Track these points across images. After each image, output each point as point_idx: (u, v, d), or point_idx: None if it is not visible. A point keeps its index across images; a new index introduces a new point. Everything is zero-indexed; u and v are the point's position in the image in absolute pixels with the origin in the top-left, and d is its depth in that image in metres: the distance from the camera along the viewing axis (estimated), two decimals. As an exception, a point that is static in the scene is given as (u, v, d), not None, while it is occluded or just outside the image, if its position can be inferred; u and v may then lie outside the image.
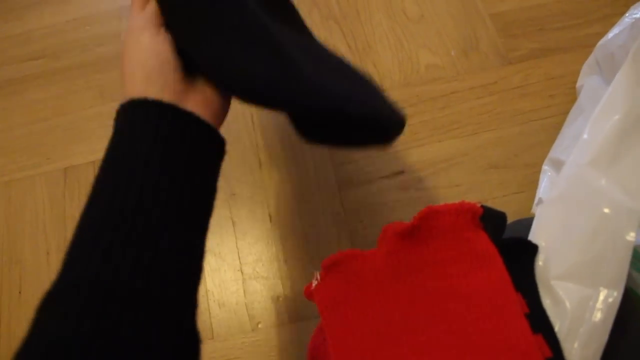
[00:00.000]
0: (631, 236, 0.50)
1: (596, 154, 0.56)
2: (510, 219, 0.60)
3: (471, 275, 0.46)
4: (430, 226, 0.48)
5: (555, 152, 0.78)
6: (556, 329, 0.47)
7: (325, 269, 0.52)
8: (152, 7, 0.45)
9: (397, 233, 0.49)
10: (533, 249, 0.49)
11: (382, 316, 0.47)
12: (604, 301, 0.48)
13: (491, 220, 0.50)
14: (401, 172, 0.83)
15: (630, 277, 0.60)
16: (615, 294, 0.49)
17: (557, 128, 0.83)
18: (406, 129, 0.86)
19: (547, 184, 0.73)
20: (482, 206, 0.51)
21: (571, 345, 0.47)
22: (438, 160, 0.84)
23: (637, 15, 0.76)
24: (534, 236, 0.55)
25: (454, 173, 0.83)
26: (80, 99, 0.96)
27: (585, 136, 0.59)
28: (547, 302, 0.50)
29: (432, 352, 0.43)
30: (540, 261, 0.52)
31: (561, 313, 0.49)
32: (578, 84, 0.87)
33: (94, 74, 0.99)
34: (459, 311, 0.45)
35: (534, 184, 0.79)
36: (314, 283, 0.52)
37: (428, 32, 0.96)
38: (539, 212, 0.57)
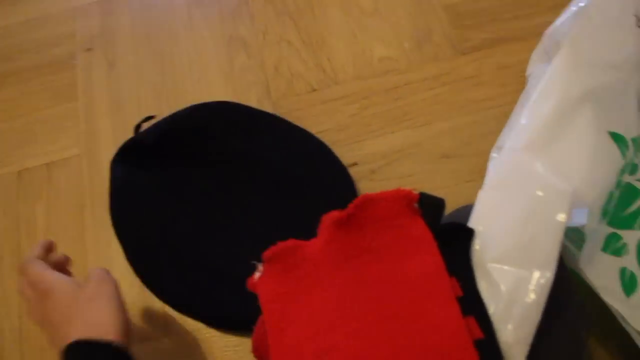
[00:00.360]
0: (562, 217, 0.51)
1: (531, 138, 0.57)
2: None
3: (406, 261, 0.47)
4: (367, 214, 0.49)
5: (502, 139, 0.78)
6: (492, 311, 0.48)
7: (266, 261, 0.52)
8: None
9: (334, 222, 0.50)
10: (469, 233, 0.50)
11: (320, 305, 0.47)
12: (537, 282, 0.49)
13: (429, 207, 0.51)
14: (355, 164, 0.84)
15: (572, 257, 0.61)
16: (547, 274, 0.50)
17: (508, 116, 0.84)
18: (360, 121, 0.87)
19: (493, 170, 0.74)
20: (420, 193, 0.51)
21: (505, 327, 0.48)
22: (391, 151, 0.85)
23: (581, 4, 0.77)
24: (473, 221, 0.56)
25: (407, 163, 0.84)
26: (34, 101, 0.95)
27: (523, 121, 0.60)
28: (483, 285, 0.50)
29: (365, 337, 0.44)
30: (477, 245, 0.52)
31: (496, 295, 0.50)
32: (527, 72, 0.88)
33: (48, 75, 0.98)
34: (392, 296, 0.45)
35: (485, 172, 0.79)
36: (257, 275, 0.52)
37: (382, 25, 0.96)
38: (478, 197, 0.57)
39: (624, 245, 0.65)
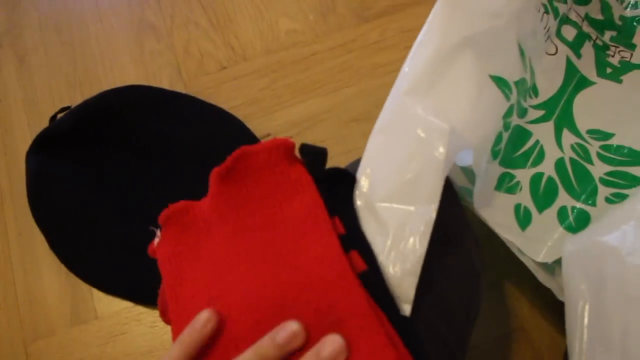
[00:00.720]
0: (441, 152, 0.53)
1: (412, 83, 0.59)
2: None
3: (285, 204, 0.49)
4: (246, 166, 0.51)
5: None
6: (382, 247, 0.50)
7: (162, 225, 0.53)
8: None
9: (216, 176, 0.51)
10: (350, 177, 0.52)
11: (210, 257, 0.49)
12: (421, 216, 0.51)
13: (310, 155, 0.53)
14: (268, 135, 0.86)
15: (469, 197, 0.65)
16: (431, 207, 0.52)
17: (413, 77, 0.87)
18: (270, 94, 0.89)
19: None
20: (302, 144, 0.53)
21: (393, 260, 0.50)
22: (302, 119, 0.87)
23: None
24: (363, 164, 0.57)
25: (319, 130, 0.86)
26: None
27: (406, 69, 0.62)
28: (373, 225, 0.52)
29: (252, 278, 0.46)
30: (366, 187, 0.54)
31: (385, 232, 0.52)
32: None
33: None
34: (275, 237, 0.48)
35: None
36: (156, 241, 0.54)
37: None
38: (367, 143, 0.59)
39: (517, 183, 0.69)
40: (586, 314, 0.54)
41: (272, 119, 0.88)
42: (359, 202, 0.54)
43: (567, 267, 0.57)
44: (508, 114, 0.67)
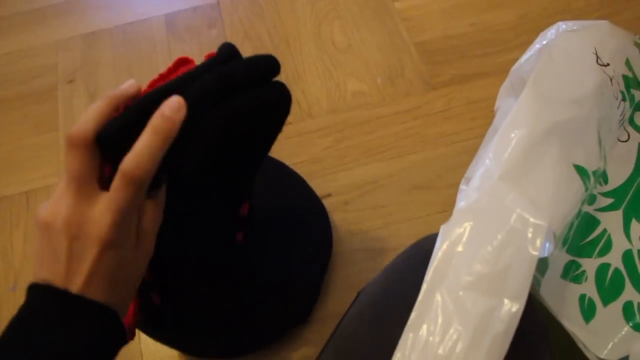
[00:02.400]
0: (536, 251, 0.52)
1: (505, 169, 0.58)
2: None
3: None
4: None
5: (470, 171, 0.81)
6: (462, 338, 0.49)
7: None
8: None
9: None
10: None
11: None
12: (508, 312, 0.50)
13: None
14: (329, 195, 0.86)
15: (534, 283, 0.63)
16: (518, 305, 0.50)
17: (477, 149, 0.87)
18: (334, 154, 0.90)
19: (461, 201, 0.76)
20: None
21: (475, 355, 0.49)
22: (364, 182, 0.87)
23: (544, 42, 0.81)
24: (444, 245, 0.56)
25: (380, 194, 0.86)
26: (16, 130, 0.97)
27: (493, 154, 0.62)
28: (451, 313, 0.51)
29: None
30: (450, 269, 0.53)
31: (467, 323, 0.50)
32: (496, 107, 0.91)
33: (30, 106, 1.00)
34: None
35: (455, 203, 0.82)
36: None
37: (355, 61, 1.00)
38: (451, 220, 0.58)
39: (583, 272, 0.68)
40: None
41: (334, 179, 0.88)
42: (437, 284, 0.53)
43: None
44: (583, 202, 0.66)
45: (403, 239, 0.81)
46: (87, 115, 0.44)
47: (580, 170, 0.63)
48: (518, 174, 0.58)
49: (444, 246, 0.56)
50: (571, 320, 0.64)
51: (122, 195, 0.43)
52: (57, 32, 1.10)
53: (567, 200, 0.60)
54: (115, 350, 0.47)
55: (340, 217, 0.84)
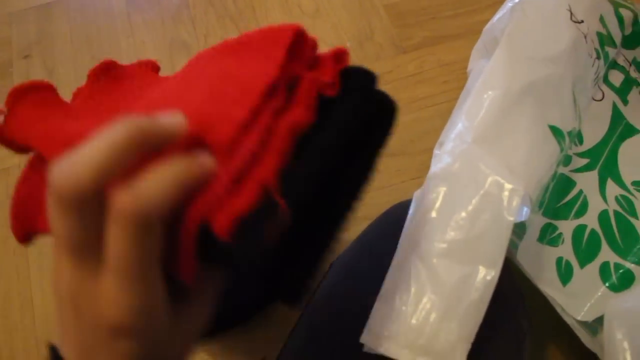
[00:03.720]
0: (511, 217, 0.50)
1: (479, 132, 0.56)
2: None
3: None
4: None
5: (445, 135, 0.79)
6: (430, 308, 0.48)
7: (12, 99, 0.46)
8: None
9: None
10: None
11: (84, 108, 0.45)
12: (483, 280, 0.49)
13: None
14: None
15: (511, 248, 0.62)
16: (493, 273, 0.49)
17: (451, 113, 0.85)
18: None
19: (436, 166, 0.75)
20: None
21: (449, 324, 0.47)
22: (336, 151, 0.85)
23: (516, 0, 0.78)
24: (417, 211, 0.55)
25: (352, 163, 0.84)
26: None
27: (466, 115, 0.60)
28: (424, 282, 0.49)
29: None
30: (423, 236, 0.52)
31: (441, 291, 0.49)
32: (468, 69, 0.89)
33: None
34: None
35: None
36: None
37: (324, 25, 0.97)
38: (424, 187, 0.56)
39: (560, 235, 0.66)
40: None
41: (305, 148, 0.85)
42: (410, 253, 0.51)
43: (610, 330, 0.54)
44: (558, 163, 0.64)
45: (377, 207, 0.78)
46: (87, 156, 0.26)
47: (556, 131, 0.61)
48: (492, 136, 0.57)
49: (417, 213, 0.54)
50: (548, 284, 0.63)
51: (128, 251, 0.27)
52: (9, 3, 1.04)
53: (543, 162, 0.58)
54: None
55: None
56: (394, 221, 0.57)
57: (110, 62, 0.46)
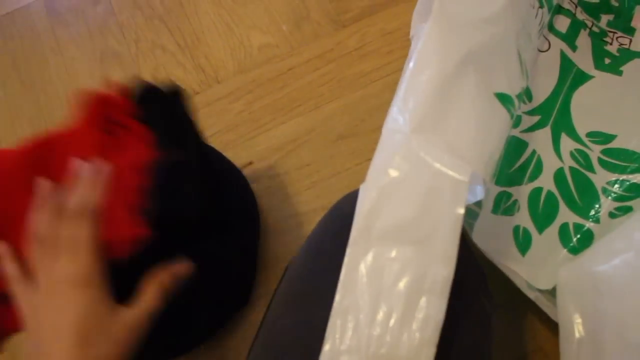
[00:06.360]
0: (460, 207, 0.47)
1: (417, 119, 0.52)
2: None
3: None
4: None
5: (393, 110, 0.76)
6: (393, 312, 0.46)
7: None
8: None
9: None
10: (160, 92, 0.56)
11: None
12: (438, 279, 0.46)
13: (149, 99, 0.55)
14: (250, 163, 0.81)
15: (467, 227, 0.60)
16: (448, 269, 0.46)
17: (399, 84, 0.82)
18: (248, 117, 0.84)
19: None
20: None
21: (409, 329, 0.46)
22: (285, 142, 0.82)
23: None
24: (362, 216, 0.51)
25: (304, 152, 0.81)
26: None
27: (403, 98, 0.56)
28: (376, 290, 0.47)
29: None
30: (371, 242, 0.49)
31: (396, 297, 0.47)
32: (411, 34, 0.85)
33: None
34: None
35: (383, 147, 0.78)
36: None
37: (256, 11, 0.93)
38: (365, 186, 0.53)
39: (515, 202, 0.64)
40: (582, 351, 0.49)
41: (253, 145, 0.82)
42: (359, 259, 0.49)
43: (562, 298, 0.53)
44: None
45: (334, 195, 0.76)
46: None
47: (503, 98, 0.57)
48: (433, 121, 0.52)
49: (361, 219, 0.51)
50: (507, 256, 0.61)
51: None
52: None
53: (494, 135, 0.54)
54: None
55: (265, 184, 0.79)
56: (339, 218, 0.54)
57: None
